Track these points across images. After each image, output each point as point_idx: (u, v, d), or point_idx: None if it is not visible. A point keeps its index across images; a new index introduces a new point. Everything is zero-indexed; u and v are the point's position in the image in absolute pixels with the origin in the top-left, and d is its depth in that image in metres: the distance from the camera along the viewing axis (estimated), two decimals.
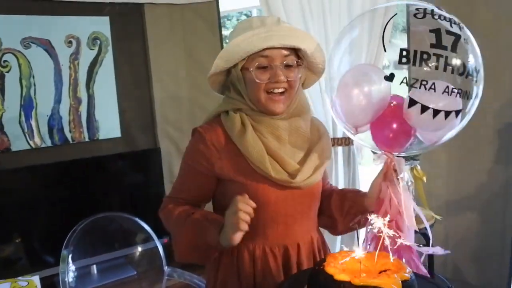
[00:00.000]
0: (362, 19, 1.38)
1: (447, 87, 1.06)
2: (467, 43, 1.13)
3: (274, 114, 1.12)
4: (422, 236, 2.12)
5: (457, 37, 1.11)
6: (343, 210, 1.23)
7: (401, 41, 2.00)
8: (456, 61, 1.09)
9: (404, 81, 1.11)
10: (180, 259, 1.15)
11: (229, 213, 1.00)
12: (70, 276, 1.59)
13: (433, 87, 1.06)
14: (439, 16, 1.13)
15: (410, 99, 1.07)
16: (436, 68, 1.08)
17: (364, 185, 2.05)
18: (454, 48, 1.10)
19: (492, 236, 2.43)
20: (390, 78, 1.12)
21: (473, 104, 1.14)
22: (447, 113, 1.07)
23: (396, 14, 1.22)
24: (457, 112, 1.08)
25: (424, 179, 2.23)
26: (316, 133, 1.21)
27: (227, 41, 1.18)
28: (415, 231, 1.24)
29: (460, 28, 1.13)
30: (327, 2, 2.55)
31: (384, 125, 1.17)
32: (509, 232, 2.37)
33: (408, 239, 1.16)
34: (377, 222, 0.81)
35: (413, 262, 1.15)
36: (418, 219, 2.04)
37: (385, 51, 1.32)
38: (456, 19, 1.17)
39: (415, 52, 1.09)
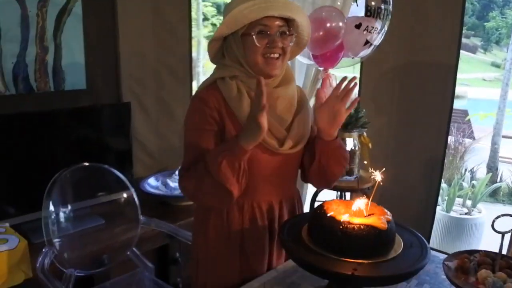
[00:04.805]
0: None
1: (381, 29, 2.00)
2: None
3: (270, 76, 1.24)
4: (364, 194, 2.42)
5: None
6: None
7: None
8: (387, 10, 1.98)
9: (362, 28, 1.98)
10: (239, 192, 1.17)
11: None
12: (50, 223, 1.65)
13: (377, 31, 1.98)
14: None
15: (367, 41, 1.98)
16: (380, 18, 1.96)
17: None
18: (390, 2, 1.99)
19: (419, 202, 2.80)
20: (358, 26, 1.93)
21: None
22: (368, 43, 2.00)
23: None
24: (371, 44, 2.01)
25: (370, 145, 2.50)
26: (300, 102, 1.34)
27: (224, 11, 1.28)
28: None
29: None
30: None
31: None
32: (433, 199, 2.75)
33: None
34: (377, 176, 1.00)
35: None
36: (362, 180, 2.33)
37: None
38: None
39: (375, 8, 1.92)
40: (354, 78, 1.20)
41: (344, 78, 1.22)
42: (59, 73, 2.21)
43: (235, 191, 1.15)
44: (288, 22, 1.24)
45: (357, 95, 1.26)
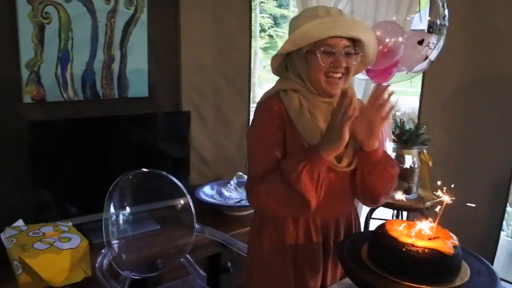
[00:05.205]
0: None
1: (437, 44, 2.00)
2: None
3: (331, 95, 1.24)
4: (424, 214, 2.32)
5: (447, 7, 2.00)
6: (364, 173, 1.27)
7: None
8: (444, 25, 1.98)
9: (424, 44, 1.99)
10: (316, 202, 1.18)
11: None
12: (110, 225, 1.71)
13: (438, 47, 2.01)
14: None
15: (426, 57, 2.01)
16: (439, 34, 1.98)
17: None
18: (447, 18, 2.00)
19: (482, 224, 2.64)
20: (421, 42, 1.94)
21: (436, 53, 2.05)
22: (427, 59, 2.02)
23: None
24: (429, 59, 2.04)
25: (430, 163, 2.40)
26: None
27: (290, 26, 1.28)
28: None
29: None
30: None
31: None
32: (497, 223, 2.58)
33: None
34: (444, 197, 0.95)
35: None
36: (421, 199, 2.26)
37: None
38: None
39: (436, 24, 1.94)
40: (386, 87, 1.17)
41: (379, 87, 1.20)
42: (123, 80, 2.30)
43: (313, 201, 1.16)
44: (355, 41, 1.22)
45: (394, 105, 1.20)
